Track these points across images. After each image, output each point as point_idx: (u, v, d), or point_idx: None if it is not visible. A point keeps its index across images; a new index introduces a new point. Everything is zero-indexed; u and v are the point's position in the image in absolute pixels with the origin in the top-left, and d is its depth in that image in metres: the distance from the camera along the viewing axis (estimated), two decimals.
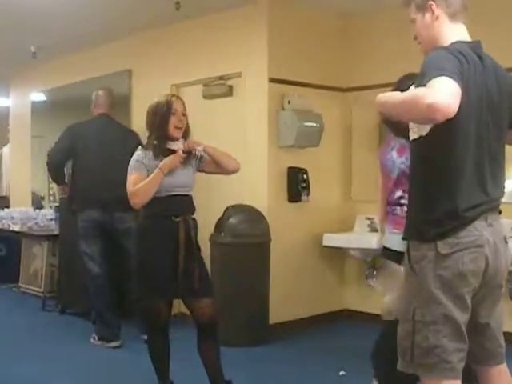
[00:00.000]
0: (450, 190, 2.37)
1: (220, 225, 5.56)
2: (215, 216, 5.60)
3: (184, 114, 3.89)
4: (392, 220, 3.74)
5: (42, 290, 6.98)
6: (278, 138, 5.82)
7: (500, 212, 2.53)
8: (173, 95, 4.01)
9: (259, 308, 5.51)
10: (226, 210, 5.61)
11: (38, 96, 8.73)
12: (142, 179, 3.72)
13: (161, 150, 3.81)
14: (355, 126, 6.35)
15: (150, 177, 3.71)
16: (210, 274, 4.16)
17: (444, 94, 2.13)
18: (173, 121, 3.82)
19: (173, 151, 3.82)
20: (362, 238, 5.87)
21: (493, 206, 2.47)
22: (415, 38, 2.63)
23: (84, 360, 5.03)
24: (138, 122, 6.92)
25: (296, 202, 5.92)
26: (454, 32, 2.50)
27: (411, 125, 2.47)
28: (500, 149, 2.53)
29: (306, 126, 5.82)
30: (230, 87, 6.10)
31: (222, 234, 5.51)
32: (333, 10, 6.13)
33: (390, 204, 3.77)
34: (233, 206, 5.65)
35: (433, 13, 2.51)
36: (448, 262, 2.35)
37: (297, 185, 5.87)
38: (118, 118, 5.98)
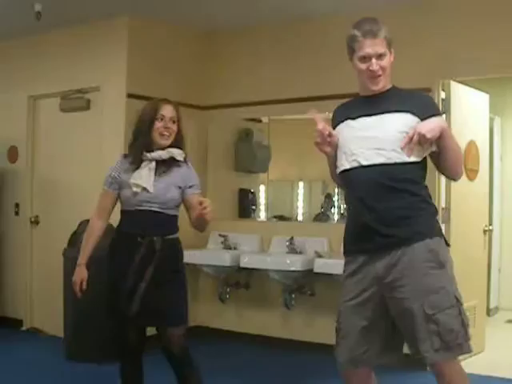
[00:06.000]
0: None
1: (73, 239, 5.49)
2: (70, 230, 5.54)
3: (174, 121, 3.61)
4: None
5: None
6: None
7: None
8: (162, 99, 3.69)
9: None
10: (79, 225, 5.53)
11: None
12: (108, 199, 3.72)
13: (136, 158, 3.60)
14: (211, 144, 6.46)
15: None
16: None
17: None
18: (158, 127, 3.57)
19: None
20: (215, 255, 5.95)
21: None
22: (376, 71, 2.83)
23: None
24: None
25: None
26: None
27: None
28: None
29: None
30: (88, 101, 6.07)
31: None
32: (195, 27, 6.24)
33: None
34: (87, 221, 5.53)
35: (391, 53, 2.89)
36: None
37: None
38: None
